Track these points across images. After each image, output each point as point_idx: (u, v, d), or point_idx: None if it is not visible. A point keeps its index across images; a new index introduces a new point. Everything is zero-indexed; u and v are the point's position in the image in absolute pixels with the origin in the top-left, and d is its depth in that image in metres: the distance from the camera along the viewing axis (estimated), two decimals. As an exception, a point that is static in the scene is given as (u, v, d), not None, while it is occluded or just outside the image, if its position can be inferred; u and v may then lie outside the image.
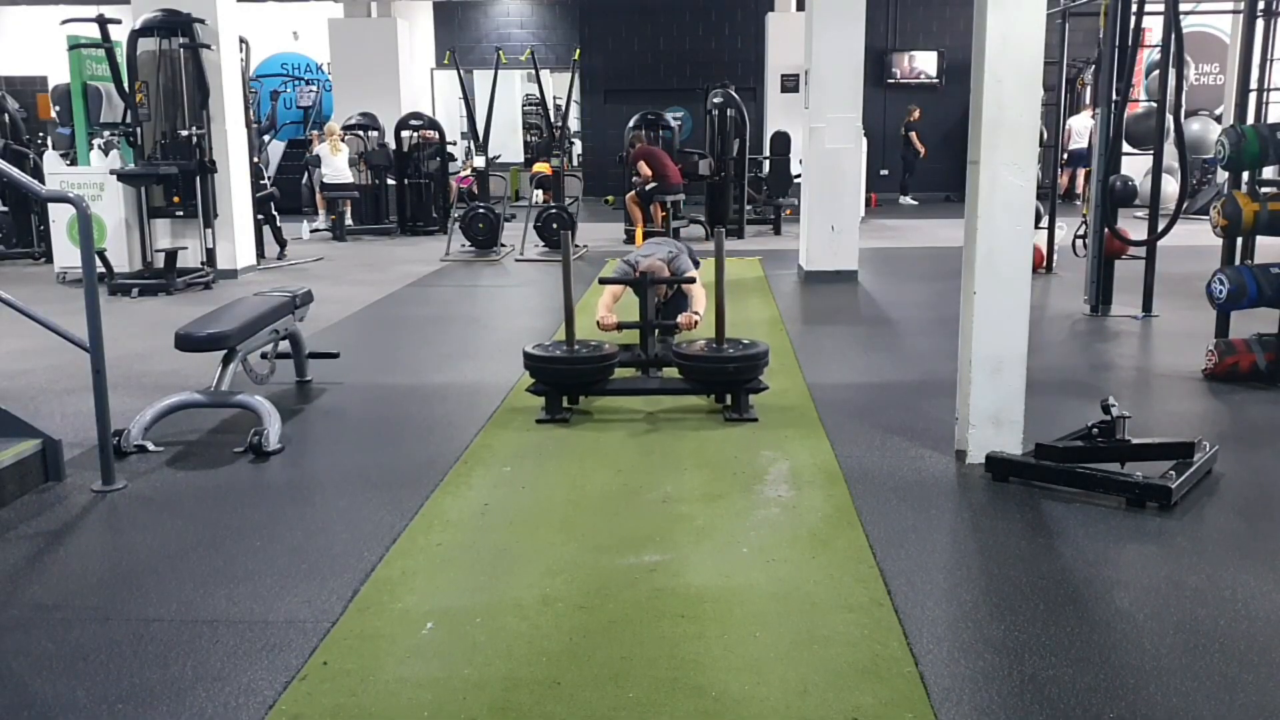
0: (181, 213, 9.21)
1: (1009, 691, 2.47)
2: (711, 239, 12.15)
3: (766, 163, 13.96)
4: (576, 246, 10.81)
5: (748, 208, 12.80)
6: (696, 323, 5.37)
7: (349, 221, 13.49)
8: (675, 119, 13.92)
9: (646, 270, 5.51)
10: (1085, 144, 15.08)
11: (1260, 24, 6.25)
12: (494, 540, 3.45)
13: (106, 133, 9.50)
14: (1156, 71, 10.28)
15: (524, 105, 19.34)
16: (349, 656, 2.67)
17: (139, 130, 9.10)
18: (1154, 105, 8.21)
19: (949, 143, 16.94)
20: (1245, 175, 5.78)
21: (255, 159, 11.06)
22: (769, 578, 3.12)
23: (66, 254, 9.05)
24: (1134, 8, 6.79)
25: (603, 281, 5.60)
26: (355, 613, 2.91)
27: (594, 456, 4.28)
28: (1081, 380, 5.51)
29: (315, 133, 15.29)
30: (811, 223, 9.13)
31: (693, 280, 5.61)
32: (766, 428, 4.64)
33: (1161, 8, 6.68)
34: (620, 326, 5.44)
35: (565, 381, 4.81)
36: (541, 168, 12.87)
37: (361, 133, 14.19)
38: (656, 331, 5.52)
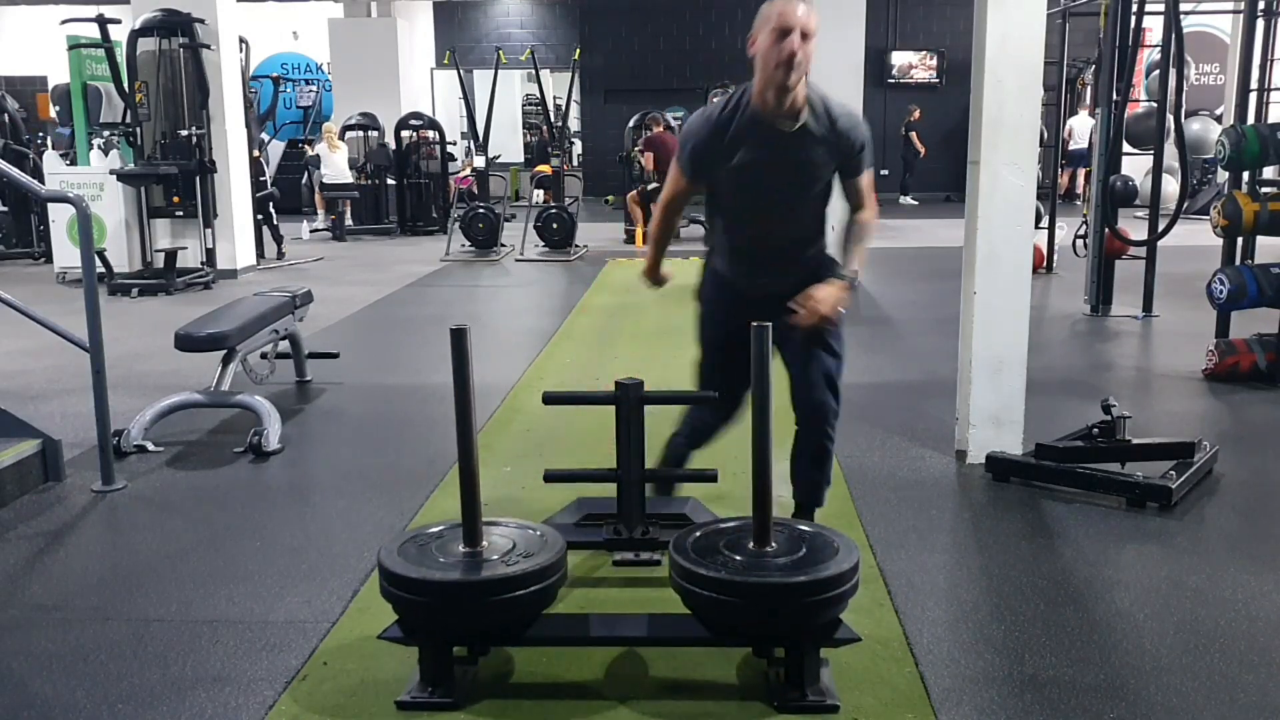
0: (181, 213, 9.21)
1: (1009, 692, 2.47)
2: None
3: (767, 163, 13.94)
4: (576, 246, 10.82)
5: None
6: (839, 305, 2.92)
7: (349, 221, 13.48)
8: (675, 119, 13.90)
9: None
10: (1084, 144, 15.11)
11: (1260, 24, 6.24)
12: (494, 540, 3.43)
13: (106, 133, 9.50)
14: (1157, 71, 10.26)
15: (524, 105, 19.33)
16: (349, 656, 2.66)
17: (139, 130, 9.10)
18: (1154, 105, 8.21)
19: (949, 143, 16.93)
20: (1246, 175, 5.78)
21: (256, 153, 11.04)
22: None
23: (66, 254, 9.05)
24: (1134, 8, 6.79)
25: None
26: (355, 613, 2.91)
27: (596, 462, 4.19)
28: (1082, 380, 5.51)
29: (312, 140, 15.29)
30: (811, 223, 9.10)
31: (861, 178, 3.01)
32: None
33: (1161, 8, 6.68)
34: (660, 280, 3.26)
35: (455, 626, 2.42)
36: (541, 168, 12.87)
37: (361, 133, 14.20)
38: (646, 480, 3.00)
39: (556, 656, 2.59)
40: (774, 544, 2.43)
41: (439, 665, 2.41)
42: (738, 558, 2.41)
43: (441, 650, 2.41)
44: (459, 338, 2.44)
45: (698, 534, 2.53)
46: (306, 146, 15.26)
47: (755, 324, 2.40)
